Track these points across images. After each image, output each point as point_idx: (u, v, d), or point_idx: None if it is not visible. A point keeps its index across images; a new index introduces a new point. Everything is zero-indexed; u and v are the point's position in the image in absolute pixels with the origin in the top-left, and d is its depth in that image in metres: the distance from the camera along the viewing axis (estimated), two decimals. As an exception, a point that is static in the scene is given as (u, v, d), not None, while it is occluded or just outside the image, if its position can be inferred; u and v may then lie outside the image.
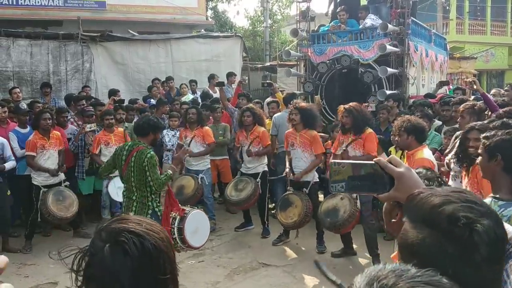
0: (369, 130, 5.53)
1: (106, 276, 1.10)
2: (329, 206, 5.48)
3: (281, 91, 10.23)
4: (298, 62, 9.69)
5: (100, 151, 6.85)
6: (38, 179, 6.23)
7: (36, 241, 6.39)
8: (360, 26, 8.59)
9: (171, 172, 4.73)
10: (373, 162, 1.27)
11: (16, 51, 9.47)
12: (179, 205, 4.77)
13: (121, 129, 7.09)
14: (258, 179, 6.52)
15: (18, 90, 8.34)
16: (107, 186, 6.70)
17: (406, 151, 4.65)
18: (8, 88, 8.89)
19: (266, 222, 6.74)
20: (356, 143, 5.53)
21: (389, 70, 7.78)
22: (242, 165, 6.85)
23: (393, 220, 1.32)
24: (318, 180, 6.22)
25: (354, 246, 5.98)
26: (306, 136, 5.98)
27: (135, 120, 7.78)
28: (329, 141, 6.91)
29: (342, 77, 8.76)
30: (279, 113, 7.32)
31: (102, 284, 1.12)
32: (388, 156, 1.60)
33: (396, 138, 4.79)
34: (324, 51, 8.63)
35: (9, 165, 6.11)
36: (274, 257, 6.04)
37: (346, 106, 5.58)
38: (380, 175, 1.27)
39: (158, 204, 4.65)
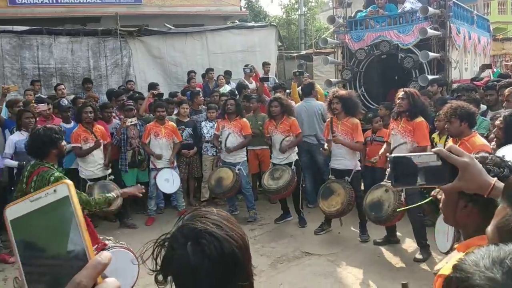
0: (421, 118, 5.36)
1: (184, 273, 1.13)
2: (374, 199, 5.39)
3: (315, 79, 10.19)
4: (335, 50, 9.55)
5: (149, 142, 7.00)
6: (85, 173, 6.42)
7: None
8: (399, 10, 8.36)
9: (114, 195, 4.02)
10: (433, 153, 1.24)
11: (58, 48, 9.74)
12: (99, 238, 3.89)
13: (172, 123, 7.20)
14: (292, 167, 6.51)
15: (62, 86, 8.59)
16: (155, 178, 6.87)
17: (457, 137, 4.51)
18: (51, 85, 9.18)
19: (301, 211, 6.73)
20: (405, 129, 5.40)
21: (431, 54, 7.56)
22: (273, 156, 6.83)
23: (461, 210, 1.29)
24: (360, 168, 6.15)
25: (398, 234, 5.91)
26: (347, 124, 5.92)
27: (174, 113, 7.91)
28: (368, 131, 6.82)
29: (381, 63, 8.59)
30: (297, 104, 7.34)
31: (179, 279, 1.15)
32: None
33: (446, 125, 4.66)
34: (362, 37, 8.46)
35: None
36: (317, 246, 6.03)
37: (406, 89, 5.45)
38: (441, 166, 1.23)
39: None
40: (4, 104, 6.99)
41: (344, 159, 5.98)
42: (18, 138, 6.13)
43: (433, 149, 1.26)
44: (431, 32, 7.55)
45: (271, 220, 7.03)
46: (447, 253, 4.39)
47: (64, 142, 3.97)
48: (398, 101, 5.40)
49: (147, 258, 1.19)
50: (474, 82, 7.28)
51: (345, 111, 5.91)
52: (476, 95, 6.40)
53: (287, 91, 8.44)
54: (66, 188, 0.59)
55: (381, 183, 5.53)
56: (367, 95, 8.51)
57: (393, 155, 1.28)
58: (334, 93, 6.05)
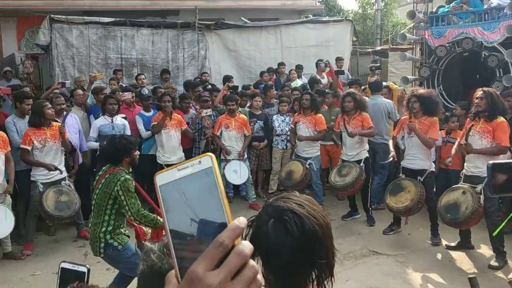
0: (501, 118, 5.11)
1: (269, 249, 1.19)
2: (450, 201, 5.21)
3: (390, 76, 9.93)
4: (414, 46, 9.25)
5: (220, 133, 7.20)
6: (162, 159, 6.75)
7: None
8: (485, 6, 7.95)
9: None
10: None
11: (140, 39, 10.18)
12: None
13: (243, 116, 7.37)
14: (361, 164, 6.42)
15: (143, 76, 9.01)
16: (224, 168, 7.07)
17: None
18: (132, 74, 9.64)
19: (370, 209, 6.63)
20: (484, 130, 5.16)
21: (518, 53, 7.13)
22: (343, 152, 6.76)
23: None
24: (434, 170, 5.96)
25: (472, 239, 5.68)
26: (425, 122, 5.73)
27: (247, 105, 8.06)
28: (442, 131, 6.58)
29: (462, 61, 8.23)
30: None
31: (264, 255, 1.21)
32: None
33: None
34: (443, 33, 8.13)
35: None
36: (385, 245, 5.93)
37: (485, 88, 5.21)
38: None
39: (117, 236, 4.02)
40: (90, 91, 7.47)
41: (418, 159, 5.81)
42: (102, 122, 6.55)
43: None
44: (519, 29, 7.13)
45: (338, 217, 7.00)
46: None
47: (137, 152, 4.18)
48: (476, 100, 5.17)
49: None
50: None
51: (424, 111, 5.73)
52: None
53: (362, 87, 8.31)
54: (210, 160, 0.67)
55: (458, 185, 5.34)
56: (445, 94, 8.19)
57: (491, 162, 1.26)
58: (413, 91, 5.89)
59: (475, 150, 5.15)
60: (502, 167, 1.22)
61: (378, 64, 8.81)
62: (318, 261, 1.21)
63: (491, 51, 7.47)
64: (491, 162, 1.25)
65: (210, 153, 0.69)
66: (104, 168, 4.16)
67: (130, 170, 4.29)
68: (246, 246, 0.65)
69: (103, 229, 3.99)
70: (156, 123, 6.75)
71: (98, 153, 6.63)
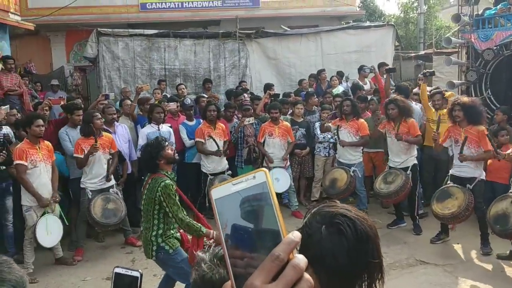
0: None
1: (325, 255, 1.20)
2: (499, 211, 5.06)
3: (435, 81, 9.68)
4: (459, 50, 9.02)
5: (264, 141, 7.26)
6: (207, 167, 6.86)
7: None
8: (534, 7, 7.68)
9: (206, 231, 4.04)
10: None
11: (182, 50, 10.40)
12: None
13: (286, 123, 7.39)
14: (408, 172, 6.29)
15: (183, 86, 9.20)
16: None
17: None
18: (175, 84, 9.86)
19: (417, 218, 6.48)
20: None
21: None
22: (390, 158, 6.64)
23: None
24: (484, 178, 5.76)
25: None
26: (471, 131, 5.59)
27: (289, 113, 8.07)
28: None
29: (511, 65, 7.95)
30: None
31: (320, 263, 1.21)
32: None
33: None
34: (490, 36, 7.89)
35: None
36: (433, 255, 5.79)
37: None
38: None
39: (169, 240, 4.10)
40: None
41: (468, 167, 5.67)
42: (149, 130, 6.75)
43: None
44: None
45: (383, 225, 6.85)
46: None
47: (169, 149, 4.19)
48: None
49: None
50: None
51: (468, 120, 5.59)
52: None
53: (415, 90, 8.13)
54: (264, 175, 0.69)
55: (507, 194, 5.16)
56: (494, 98, 7.93)
57: None
58: (456, 100, 5.75)
59: None
60: None
61: (433, 70, 8.60)
62: (371, 261, 1.22)
63: (542, 54, 7.19)
64: None
65: (264, 168, 0.71)
66: (148, 174, 4.27)
67: (173, 170, 4.37)
68: (301, 259, 0.67)
69: (154, 232, 4.08)
70: (203, 143, 6.93)
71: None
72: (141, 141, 6.67)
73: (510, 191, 5.18)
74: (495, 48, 7.74)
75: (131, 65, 10.17)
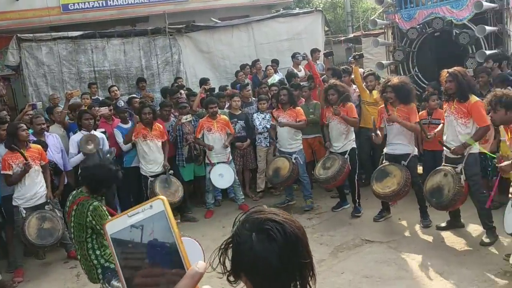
0: (475, 98, 5.13)
1: (257, 261, 1.21)
2: (433, 185, 5.27)
3: (365, 62, 9.95)
4: (385, 30, 9.29)
5: (203, 137, 7.16)
6: (145, 169, 6.67)
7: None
8: (451, -16, 8.02)
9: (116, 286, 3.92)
10: None
11: (111, 50, 10.04)
12: None
13: (224, 117, 7.31)
14: (346, 156, 6.43)
15: (115, 88, 8.89)
16: (209, 173, 7.02)
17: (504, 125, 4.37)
18: (107, 86, 9.50)
19: (358, 200, 6.64)
20: (458, 111, 5.19)
21: (488, 28, 7.20)
22: (331, 144, 6.72)
23: None
24: (417, 153, 5.99)
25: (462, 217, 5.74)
26: (404, 109, 5.78)
27: (225, 107, 8.01)
28: (423, 111, 6.60)
29: (434, 42, 8.28)
30: None
31: (253, 270, 1.23)
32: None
33: (491, 114, 4.52)
34: (413, 15, 8.18)
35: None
36: (377, 233, 5.96)
37: (450, 70, 5.22)
38: None
39: (108, 256, 3.95)
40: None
41: (401, 144, 5.86)
42: (79, 137, 6.43)
43: None
44: (486, 5, 7.20)
45: (328, 209, 7.01)
46: None
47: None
48: (446, 84, 5.23)
49: (217, 266, 1.27)
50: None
51: (400, 99, 5.77)
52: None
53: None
54: (162, 203, 0.64)
55: (439, 167, 5.39)
56: (421, 75, 8.26)
57: None
58: (386, 81, 5.91)
59: (466, 144, 5.09)
60: None
61: (361, 52, 8.81)
62: (302, 261, 1.25)
63: (462, 29, 7.54)
64: None
65: (161, 196, 0.66)
66: (70, 198, 4.03)
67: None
68: None
69: (93, 256, 3.93)
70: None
71: (80, 171, 6.51)
72: (72, 150, 6.38)
73: (443, 164, 5.39)
74: (418, 26, 8.02)
75: (58, 70, 9.70)
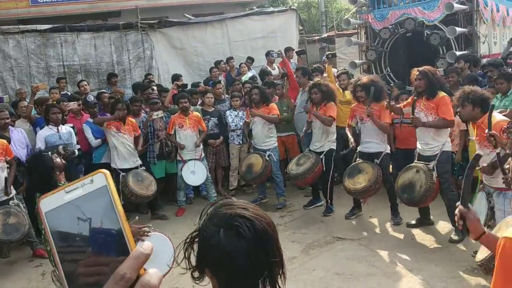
0: (442, 93, 5.26)
1: (224, 258, 1.16)
2: (405, 181, 5.32)
3: (339, 62, 10.01)
4: (358, 30, 9.37)
5: (174, 133, 7.05)
6: (117, 165, 6.51)
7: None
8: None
9: None
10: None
11: (81, 44, 9.81)
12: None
13: (197, 113, 7.22)
14: (321, 156, 6.42)
15: (85, 83, 8.68)
16: (181, 170, 6.92)
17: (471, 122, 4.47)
18: (77, 81, 9.28)
19: (329, 201, 6.64)
20: (428, 107, 5.28)
21: (458, 29, 7.34)
22: (311, 142, 6.69)
23: None
24: (389, 151, 6.04)
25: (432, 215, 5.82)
26: (375, 108, 5.81)
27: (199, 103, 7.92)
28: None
29: (406, 42, 8.40)
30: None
31: (219, 266, 1.18)
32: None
33: (459, 110, 4.61)
34: (386, 16, 8.27)
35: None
36: (349, 230, 5.98)
37: (420, 68, 5.32)
38: None
39: None
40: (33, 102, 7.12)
41: (373, 143, 5.91)
42: (47, 132, 6.25)
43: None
44: (457, 6, 7.33)
45: (300, 206, 7.00)
46: None
47: (56, 157, 3.67)
48: (416, 82, 5.31)
49: (182, 260, 1.22)
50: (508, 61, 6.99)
51: (371, 97, 5.80)
52: (509, 69, 6.18)
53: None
54: (104, 177, 0.57)
55: (411, 164, 5.45)
56: (393, 74, 8.35)
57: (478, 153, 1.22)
58: (357, 81, 5.94)
59: (421, 123, 5.28)
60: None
61: (334, 52, 8.85)
62: (272, 260, 1.20)
63: (433, 30, 7.66)
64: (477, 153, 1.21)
65: (103, 170, 0.58)
66: (38, 195, 3.74)
67: (81, 172, 3.99)
68: (152, 276, 0.57)
69: None
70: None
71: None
72: (40, 145, 6.18)
73: (415, 161, 5.44)
74: (390, 27, 8.11)
75: (26, 64, 9.44)
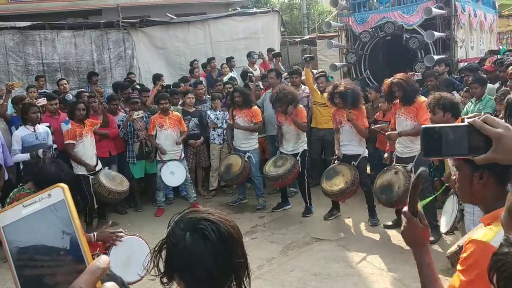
0: (422, 98, 5.36)
1: (191, 261, 1.19)
2: (384, 182, 5.40)
3: (320, 64, 10.07)
4: (339, 33, 9.46)
5: (155, 133, 7.00)
6: (82, 169, 6.33)
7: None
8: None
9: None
10: (467, 123, 1.19)
11: (61, 43, 9.69)
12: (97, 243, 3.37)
13: (177, 113, 7.18)
14: (298, 157, 6.48)
15: (65, 81, 8.56)
16: (160, 170, 6.88)
17: None
18: (56, 80, 9.17)
19: (308, 201, 6.70)
20: (407, 111, 5.40)
21: (436, 34, 7.47)
22: (282, 146, 6.72)
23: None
24: (367, 155, 6.13)
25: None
26: (354, 113, 5.90)
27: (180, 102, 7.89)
28: (379, 113, 6.74)
29: (386, 45, 8.51)
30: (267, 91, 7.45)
31: (186, 270, 1.21)
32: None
33: (430, 116, 4.71)
34: (366, 19, 8.37)
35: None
36: (327, 231, 6.04)
37: (394, 80, 5.42)
38: (474, 137, 1.17)
39: None
40: (10, 100, 7.01)
41: (352, 145, 5.99)
42: (24, 132, 6.13)
43: (466, 120, 1.21)
44: (436, 11, 7.46)
45: (280, 207, 7.02)
46: (446, 233, 4.43)
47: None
48: (395, 93, 5.43)
49: (151, 268, 1.26)
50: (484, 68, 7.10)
51: (348, 105, 5.89)
52: (483, 74, 6.31)
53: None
54: (61, 192, 0.58)
55: (390, 166, 5.53)
56: (372, 77, 8.45)
57: (424, 126, 1.24)
58: (334, 88, 5.97)
59: (396, 137, 5.41)
60: (432, 131, 1.20)
61: (312, 55, 8.89)
62: (237, 261, 1.24)
63: (412, 34, 7.77)
64: (423, 126, 1.23)
65: (62, 184, 0.60)
66: (11, 194, 3.71)
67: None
68: None
69: None
70: (74, 144, 6.35)
71: (22, 166, 6.23)
72: (17, 146, 6.07)
73: (394, 164, 5.53)
74: (370, 30, 8.21)
75: (4, 61, 9.31)
